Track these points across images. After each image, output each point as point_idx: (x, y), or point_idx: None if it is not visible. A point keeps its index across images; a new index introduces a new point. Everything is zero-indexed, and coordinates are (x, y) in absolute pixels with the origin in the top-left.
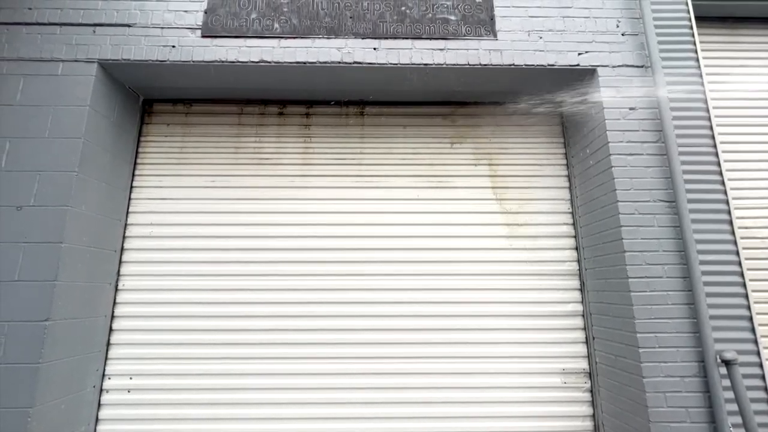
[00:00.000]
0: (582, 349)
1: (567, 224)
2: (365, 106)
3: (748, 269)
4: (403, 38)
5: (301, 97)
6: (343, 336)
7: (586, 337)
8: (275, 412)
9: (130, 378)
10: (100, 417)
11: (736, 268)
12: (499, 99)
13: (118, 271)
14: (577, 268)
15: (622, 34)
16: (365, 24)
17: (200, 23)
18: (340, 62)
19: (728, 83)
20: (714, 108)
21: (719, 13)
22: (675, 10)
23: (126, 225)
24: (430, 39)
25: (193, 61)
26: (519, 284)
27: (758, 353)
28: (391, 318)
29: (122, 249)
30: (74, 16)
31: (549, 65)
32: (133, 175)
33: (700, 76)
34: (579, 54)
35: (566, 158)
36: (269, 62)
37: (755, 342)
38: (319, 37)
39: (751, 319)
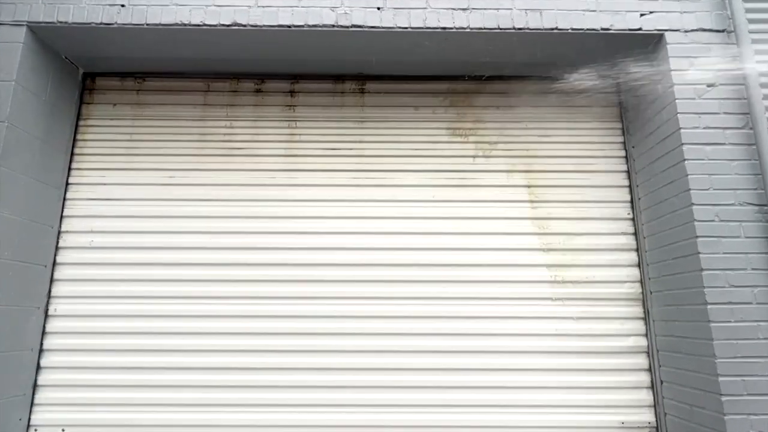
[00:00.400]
0: (647, 396)
1: (627, 234)
2: (366, 81)
3: None
4: None
5: (285, 69)
6: (341, 377)
7: (652, 381)
8: None
9: (62, 430)
10: None
11: None
12: (537, 73)
13: (49, 292)
14: (640, 290)
15: None
16: None
17: None
18: (334, 25)
19: None
20: None
21: None
22: None
23: (59, 233)
24: None
25: (147, 24)
26: (565, 311)
27: None
28: (405, 354)
29: (54, 264)
30: None
31: (603, 29)
32: (70, 169)
33: None
34: (642, 15)
35: (625, 149)
36: (244, 25)
37: None
38: None
39: None
